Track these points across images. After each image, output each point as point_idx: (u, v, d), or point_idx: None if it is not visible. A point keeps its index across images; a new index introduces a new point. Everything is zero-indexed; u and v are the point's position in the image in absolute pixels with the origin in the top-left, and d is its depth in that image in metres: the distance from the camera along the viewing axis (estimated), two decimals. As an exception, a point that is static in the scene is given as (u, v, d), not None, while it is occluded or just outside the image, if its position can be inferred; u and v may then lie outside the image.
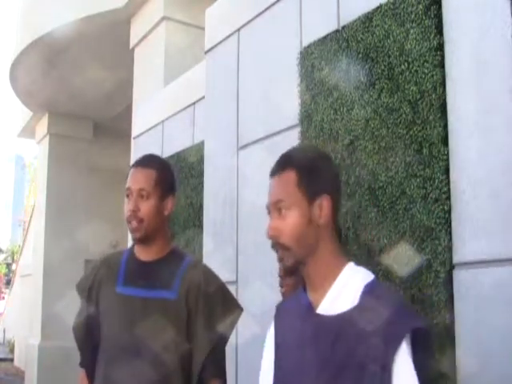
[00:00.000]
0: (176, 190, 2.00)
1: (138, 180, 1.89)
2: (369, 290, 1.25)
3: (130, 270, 1.91)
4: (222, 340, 1.88)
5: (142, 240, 1.89)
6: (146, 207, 1.87)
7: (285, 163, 1.35)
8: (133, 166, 1.95)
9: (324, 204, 1.29)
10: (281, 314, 1.43)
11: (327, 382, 1.22)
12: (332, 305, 1.27)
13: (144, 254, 1.92)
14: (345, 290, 1.28)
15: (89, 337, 1.92)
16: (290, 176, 1.31)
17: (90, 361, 1.91)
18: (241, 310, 1.93)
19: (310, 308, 1.30)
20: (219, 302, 1.89)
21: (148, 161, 1.96)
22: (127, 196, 1.90)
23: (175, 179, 2.02)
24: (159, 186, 1.89)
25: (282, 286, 1.77)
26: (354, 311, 1.23)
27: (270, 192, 1.34)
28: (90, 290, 1.94)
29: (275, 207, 1.31)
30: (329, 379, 1.21)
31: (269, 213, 1.34)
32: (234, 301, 1.95)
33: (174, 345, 1.80)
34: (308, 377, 1.25)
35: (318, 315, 1.28)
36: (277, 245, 1.30)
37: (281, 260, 1.32)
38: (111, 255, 2.05)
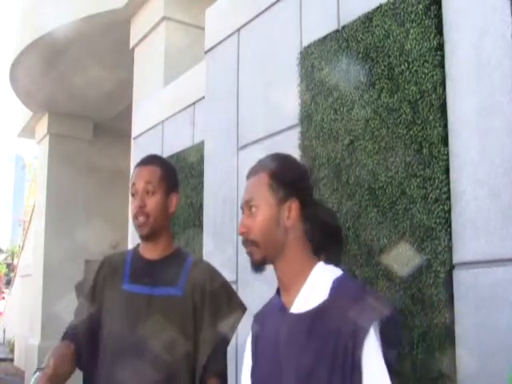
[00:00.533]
0: (179, 188, 2.02)
1: (143, 176, 1.92)
2: (337, 285, 1.32)
3: (136, 268, 1.92)
4: (225, 339, 1.89)
5: (148, 236, 1.91)
6: (153, 202, 1.89)
7: (260, 166, 1.46)
8: (136, 166, 1.98)
9: (292, 207, 1.38)
10: (258, 321, 1.49)
11: (304, 376, 1.28)
12: (305, 303, 1.33)
13: (149, 253, 1.94)
14: (315, 287, 1.34)
15: (90, 337, 1.91)
16: (263, 177, 1.41)
17: (87, 360, 1.90)
18: (244, 308, 1.94)
19: (284, 309, 1.37)
20: (224, 301, 1.91)
21: (151, 159, 2.00)
22: (132, 195, 1.92)
23: (178, 178, 2.04)
24: (164, 182, 1.92)
25: None
26: (323, 305, 1.30)
27: (244, 193, 1.45)
28: (93, 290, 1.93)
29: (247, 206, 1.41)
30: (306, 373, 1.27)
31: (243, 212, 1.43)
32: (239, 300, 1.96)
33: (179, 341, 1.81)
34: (286, 373, 1.30)
35: (291, 314, 1.35)
36: (247, 241, 1.40)
37: (249, 255, 1.40)
38: (113, 255, 2.05)
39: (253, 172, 1.46)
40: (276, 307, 1.41)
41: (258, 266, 1.41)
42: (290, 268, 1.38)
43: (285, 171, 1.43)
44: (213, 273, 1.96)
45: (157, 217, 1.89)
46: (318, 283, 1.35)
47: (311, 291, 1.34)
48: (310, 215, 1.43)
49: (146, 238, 1.91)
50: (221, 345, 1.87)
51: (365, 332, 1.23)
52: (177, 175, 2.03)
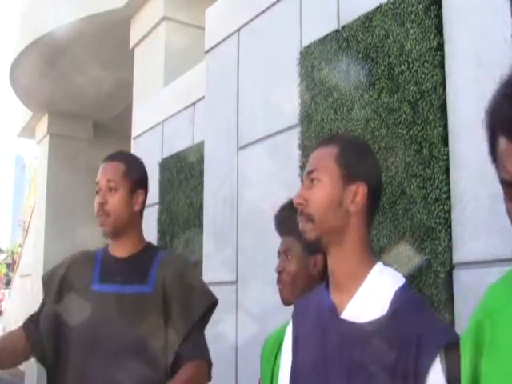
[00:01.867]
0: (147, 186, 1.98)
1: (105, 172, 1.89)
2: (399, 297, 1.18)
3: (106, 267, 1.90)
4: (198, 328, 1.86)
5: (112, 235, 1.88)
6: (114, 200, 1.85)
7: (331, 139, 1.32)
8: (102, 161, 1.95)
9: (359, 191, 1.23)
10: (299, 314, 1.35)
11: None
12: (359, 310, 1.19)
13: (117, 251, 1.91)
14: (373, 294, 1.20)
15: (54, 335, 1.86)
16: (332, 151, 1.26)
17: (51, 358, 1.85)
18: (216, 300, 1.93)
19: (334, 311, 1.22)
20: (194, 293, 1.88)
21: (115, 155, 1.96)
22: (97, 192, 1.89)
23: (146, 174, 1.99)
24: (127, 179, 1.89)
25: (278, 282, 1.76)
26: (383, 320, 1.16)
27: (307, 164, 1.30)
28: (61, 287, 1.89)
29: (308, 177, 1.26)
30: None
31: (302, 183, 1.30)
32: (209, 291, 1.96)
33: (153, 337, 1.78)
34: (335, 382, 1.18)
35: (344, 321, 1.20)
36: (302, 215, 1.24)
37: (303, 232, 1.25)
38: (83, 253, 2.02)
39: (322, 144, 1.31)
40: (324, 304, 1.25)
41: (310, 245, 1.26)
42: (346, 262, 1.22)
43: (357, 149, 1.28)
44: (183, 267, 1.94)
45: (118, 215, 1.85)
46: (377, 289, 1.20)
47: (368, 296, 1.19)
48: (375, 208, 1.28)
49: (109, 236, 1.89)
50: (194, 333, 1.83)
51: (431, 360, 1.09)
52: (144, 172, 1.98)
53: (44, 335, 1.86)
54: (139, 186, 1.93)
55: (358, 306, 1.19)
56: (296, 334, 1.31)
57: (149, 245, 1.98)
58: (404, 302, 1.17)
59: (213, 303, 1.93)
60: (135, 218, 1.93)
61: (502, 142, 0.79)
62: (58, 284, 1.90)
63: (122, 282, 1.85)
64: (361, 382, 1.14)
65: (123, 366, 1.74)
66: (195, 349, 1.83)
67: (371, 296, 1.19)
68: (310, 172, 1.26)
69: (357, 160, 1.25)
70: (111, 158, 1.94)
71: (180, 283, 1.86)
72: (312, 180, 1.25)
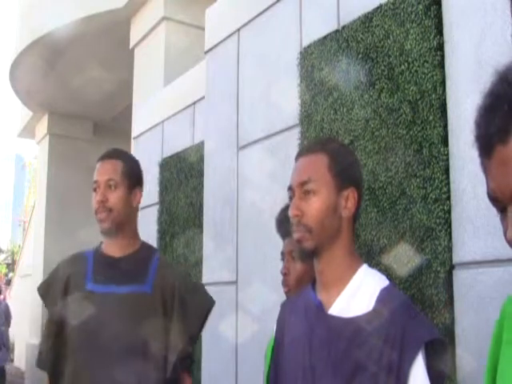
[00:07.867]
0: (143, 184, 1.99)
1: (105, 171, 1.89)
2: (385, 296, 1.21)
3: (99, 267, 1.88)
4: (195, 337, 1.90)
5: (111, 231, 1.87)
6: (115, 197, 1.86)
7: (317, 146, 1.31)
8: (99, 160, 1.95)
9: (351, 196, 1.27)
10: (285, 313, 1.38)
11: None
12: (345, 307, 1.23)
13: (113, 250, 1.90)
14: (359, 292, 1.24)
15: (55, 340, 1.85)
16: (323, 159, 1.27)
17: (51, 363, 1.85)
18: (213, 302, 1.95)
19: (321, 308, 1.26)
20: (193, 298, 1.90)
21: (113, 153, 1.97)
22: (94, 190, 1.88)
23: (142, 173, 2.01)
24: (126, 177, 1.90)
25: (284, 284, 1.75)
26: (369, 316, 1.19)
27: (296, 172, 1.30)
28: (62, 293, 1.88)
29: (301, 187, 1.27)
30: (341, 383, 1.17)
31: (292, 194, 1.29)
32: (207, 295, 1.96)
33: (152, 338, 1.78)
34: (319, 379, 1.21)
35: (331, 316, 1.24)
36: (299, 225, 1.25)
37: (299, 242, 1.27)
38: (74, 255, 2.01)
39: (308, 151, 1.31)
40: (311, 303, 1.29)
41: (307, 253, 1.29)
42: (335, 264, 1.26)
43: (346, 155, 1.31)
44: (180, 270, 1.98)
45: (119, 211, 1.85)
46: (363, 288, 1.24)
47: (354, 295, 1.23)
48: (359, 210, 1.31)
49: (108, 232, 1.88)
50: (189, 343, 1.87)
51: (413, 356, 1.13)
52: (140, 170, 2.00)
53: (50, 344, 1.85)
54: (136, 184, 1.94)
55: (345, 303, 1.23)
56: (280, 331, 1.35)
57: (144, 244, 1.98)
58: (390, 300, 1.21)
59: (210, 305, 1.95)
60: (133, 215, 1.94)
61: (483, 159, 0.77)
62: (62, 288, 1.88)
63: (118, 282, 1.83)
64: (346, 374, 1.16)
65: (124, 366, 1.73)
66: (187, 360, 1.87)
67: (358, 293, 1.24)
68: (303, 183, 1.26)
69: (347, 167, 1.28)
70: (109, 156, 1.95)
71: (180, 290, 1.87)
72: (307, 191, 1.26)
